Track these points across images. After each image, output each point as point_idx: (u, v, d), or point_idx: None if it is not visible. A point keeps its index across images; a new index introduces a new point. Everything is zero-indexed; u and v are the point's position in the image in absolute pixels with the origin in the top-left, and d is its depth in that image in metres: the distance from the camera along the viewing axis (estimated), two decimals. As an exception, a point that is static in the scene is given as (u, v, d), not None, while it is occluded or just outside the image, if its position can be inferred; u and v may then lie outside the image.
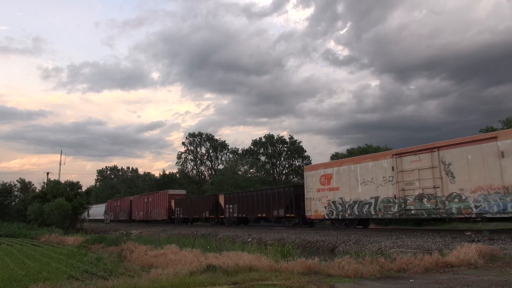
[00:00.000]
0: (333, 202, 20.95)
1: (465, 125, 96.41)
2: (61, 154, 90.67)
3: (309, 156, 63.93)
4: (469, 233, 15.23)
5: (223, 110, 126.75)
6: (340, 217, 20.64)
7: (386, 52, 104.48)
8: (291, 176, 62.57)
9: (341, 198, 20.55)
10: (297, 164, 63.60)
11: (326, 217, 21.59)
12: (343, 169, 20.75)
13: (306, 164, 63.01)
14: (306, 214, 22.68)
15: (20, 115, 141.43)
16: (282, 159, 64.71)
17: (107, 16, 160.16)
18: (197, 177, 66.96)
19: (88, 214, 63.98)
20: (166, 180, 63.92)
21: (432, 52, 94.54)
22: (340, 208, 20.54)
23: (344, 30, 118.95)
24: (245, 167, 56.27)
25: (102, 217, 57.54)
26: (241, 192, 32.10)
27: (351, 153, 51.42)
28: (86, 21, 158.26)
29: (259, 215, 27.67)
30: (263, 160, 64.02)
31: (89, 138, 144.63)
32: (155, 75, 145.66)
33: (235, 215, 30.10)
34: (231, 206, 30.73)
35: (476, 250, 9.62)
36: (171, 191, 43.69)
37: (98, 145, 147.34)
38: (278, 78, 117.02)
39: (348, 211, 20.03)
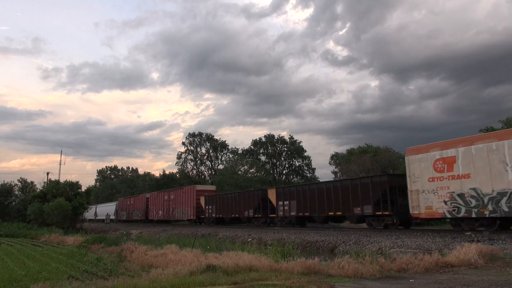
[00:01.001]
0: (460, 195, 16.02)
1: (465, 125, 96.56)
2: (61, 154, 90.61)
3: (309, 156, 63.99)
4: (469, 233, 15.23)
5: (222, 110, 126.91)
6: (474, 215, 15.68)
7: (385, 52, 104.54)
8: (291, 176, 62.58)
9: (474, 190, 15.61)
10: (297, 164, 63.64)
11: (448, 216, 16.81)
12: (476, 149, 15.68)
13: (307, 164, 63.21)
14: (411, 212, 17.94)
15: (20, 115, 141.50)
16: (282, 159, 64.71)
17: (106, 16, 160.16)
18: (197, 177, 66.95)
19: (95, 213, 61.10)
20: (166, 180, 63.89)
21: (431, 52, 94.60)
22: (474, 203, 15.58)
23: (343, 31, 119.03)
24: (245, 167, 56.29)
25: (112, 217, 55.22)
26: (302, 185, 26.68)
27: (351, 153, 51.44)
28: (86, 22, 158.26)
29: (331, 213, 22.38)
30: (263, 160, 64.05)
31: (89, 138, 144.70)
32: (154, 75, 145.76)
33: (293, 213, 24.76)
34: (286, 203, 25.25)
35: (476, 250, 9.62)
36: (199, 187, 38.67)
37: (98, 145, 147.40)
38: (278, 78, 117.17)
39: (490, 207, 15.02)
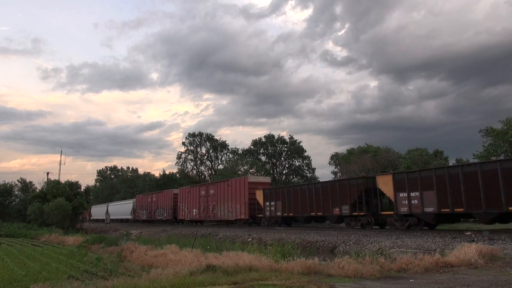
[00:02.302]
0: None
1: (465, 125, 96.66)
2: (61, 154, 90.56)
3: (309, 156, 64.00)
4: (469, 233, 15.23)
5: (222, 111, 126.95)
6: None
7: (384, 53, 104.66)
8: (291, 176, 62.58)
9: None
10: (297, 164, 63.65)
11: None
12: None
13: (307, 164, 63.21)
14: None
15: (20, 115, 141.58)
16: (282, 159, 64.72)
17: (105, 17, 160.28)
18: (197, 177, 66.92)
19: (107, 212, 57.21)
20: (166, 180, 63.86)
21: (430, 52, 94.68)
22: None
23: (342, 31, 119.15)
24: (245, 167, 56.27)
25: (128, 216, 49.73)
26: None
27: (351, 153, 51.44)
28: (85, 22, 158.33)
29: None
30: (263, 160, 64.05)
31: (88, 139, 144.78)
32: (154, 75, 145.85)
33: (429, 209, 17.15)
34: (414, 194, 17.85)
35: (476, 250, 9.61)
36: (252, 178, 31.23)
37: (97, 145, 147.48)
38: (277, 78, 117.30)
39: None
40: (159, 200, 42.42)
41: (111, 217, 56.81)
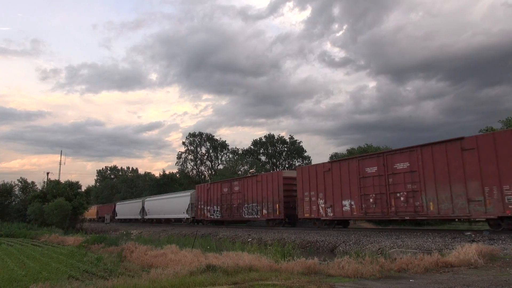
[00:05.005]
0: None
1: (464, 125, 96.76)
2: (61, 154, 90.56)
3: (309, 156, 64.04)
4: (469, 233, 15.21)
5: (221, 111, 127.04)
6: None
7: (382, 54, 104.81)
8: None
9: None
10: (297, 164, 63.67)
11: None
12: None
13: (307, 164, 63.21)
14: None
15: (19, 115, 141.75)
16: (282, 159, 64.73)
17: (104, 18, 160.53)
18: (197, 177, 66.94)
19: (143, 211, 45.95)
20: (166, 180, 63.89)
21: (428, 53, 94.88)
22: None
23: (340, 33, 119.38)
24: (245, 167, 56.28)
25: (183, 215, 37.14)
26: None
27: (351, 153, 51.35)
28: (84, 23, 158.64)
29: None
30: (263, 160, 64.06)
31: (88, 139, 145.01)
32: (153, 76, 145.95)
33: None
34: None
35: (476, 250, 9.60)
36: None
37: (97, 145, 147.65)
38: (275, 79, 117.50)
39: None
40: (250, 189, 28.09)
41: (147, 216, 45.55)
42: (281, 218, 25.08)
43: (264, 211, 26.04)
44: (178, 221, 39.53)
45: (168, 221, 41.94)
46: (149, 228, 35.06)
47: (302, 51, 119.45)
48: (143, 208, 46.69)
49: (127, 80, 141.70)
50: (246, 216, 27.86)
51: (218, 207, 31.21)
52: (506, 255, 10.37)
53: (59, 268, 11.57)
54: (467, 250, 9.70)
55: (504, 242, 12.30)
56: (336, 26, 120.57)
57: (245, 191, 28.31)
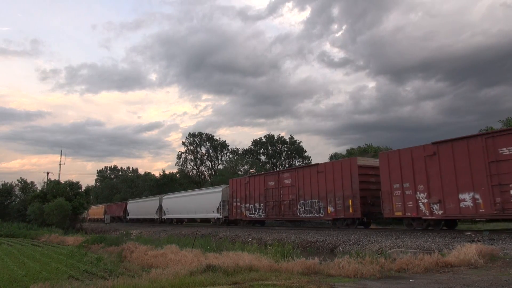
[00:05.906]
0: None
1: (463, 125, 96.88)
2: (61, 154, 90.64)
3: (310, 156, 64.06)
4: (469, 233, 15.20)
5: (221, 111, 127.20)
6: None
7: (381, 54, 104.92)
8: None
9: None
10: (297, 164, 63.67)
11: None
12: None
13: (307, 164, 63.20)
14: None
15: (19, 116, 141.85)
16: (282, 159, 64.73)
17: (104, 18, 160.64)
18: (197, 177, 66.94)
19: (160, 209, 41.51)
20: (166, 180, 63.88)
21: (427, 54, 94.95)
22: None
23: (340, 33, 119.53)
24: (245, 167, 56.27)
25: (213, 215, 31.73)
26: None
27: (351, 153, 51.38)
28: (84, 24, 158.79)
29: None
30: (263, 160, 64.07)
31: (87, 139, 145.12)
32: (152, 76, 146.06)
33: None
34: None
35: (476, 250, 9.60)
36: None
37: (96, 145, 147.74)
38: (275, 79, 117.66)
39: None
40: (308, 181, 22.96)
41: (165, 216, 40.53)
42: (356, 217, 20.03)
43: (330, 209, 21.09)
44: (205, 221, 34.71)
45: (191, 222, 37.33)
46: (149, 228, 34.97)
47: (302, 52, 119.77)
48: (160, 206, 42.03)
49: (127, 80, 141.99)
50: (302, 215, 22.97)
51: (262, 204, 26.30)
52: (506, 255, 10.36)
53: (59, 268, 11.57)
54: (467, 250, 9.69)
55: (504, 242, 12.30)
56: (335, 26, 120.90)
57: (300, 184, 23.33)
